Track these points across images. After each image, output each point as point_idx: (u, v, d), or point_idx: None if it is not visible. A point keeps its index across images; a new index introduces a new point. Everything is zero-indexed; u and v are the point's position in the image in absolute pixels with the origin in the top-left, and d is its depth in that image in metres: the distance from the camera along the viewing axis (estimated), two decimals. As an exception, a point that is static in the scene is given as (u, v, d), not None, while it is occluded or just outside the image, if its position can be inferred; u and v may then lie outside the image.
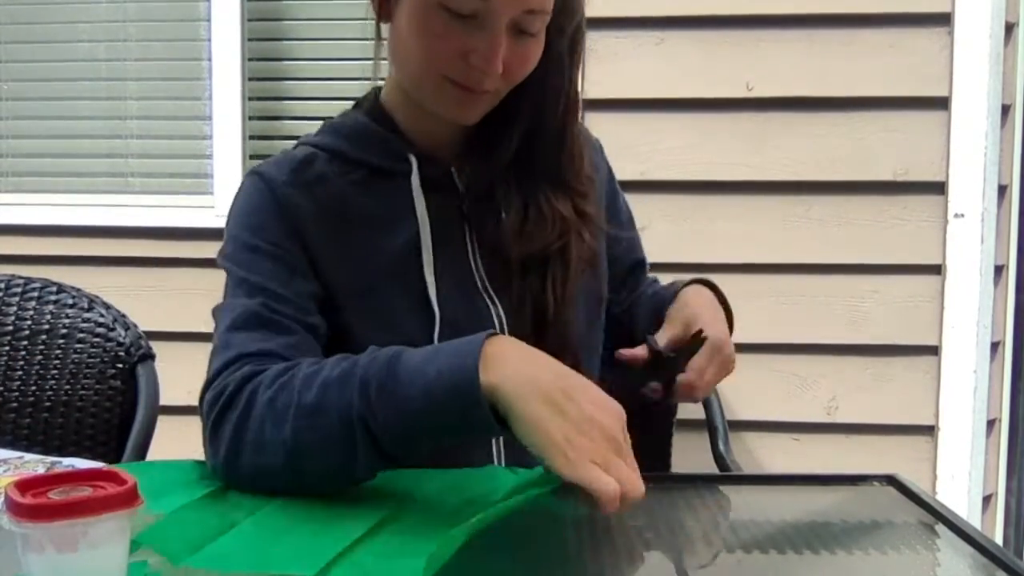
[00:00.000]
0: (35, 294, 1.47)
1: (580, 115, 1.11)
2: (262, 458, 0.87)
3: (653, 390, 1.08)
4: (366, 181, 1.07)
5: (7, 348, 1.45)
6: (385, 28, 1.06)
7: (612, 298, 1.24)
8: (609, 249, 1.21)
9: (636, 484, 0.76)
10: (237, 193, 1.08)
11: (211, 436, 0.92)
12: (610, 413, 0.79)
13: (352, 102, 1.17)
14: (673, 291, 1.20)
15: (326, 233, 1.03)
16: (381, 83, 1.15)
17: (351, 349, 0.91)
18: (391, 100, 1.11)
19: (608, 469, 0.75)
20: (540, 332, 1.06)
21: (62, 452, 1.36)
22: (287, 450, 0.86)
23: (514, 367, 0.80)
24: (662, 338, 1.10)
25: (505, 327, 1.07)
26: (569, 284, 1.08)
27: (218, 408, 0.90)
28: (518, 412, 0.78)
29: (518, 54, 0.99)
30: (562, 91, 1.06)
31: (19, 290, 1.48)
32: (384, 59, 1.10)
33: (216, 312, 1.02)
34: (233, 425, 0.89)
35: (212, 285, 1.08)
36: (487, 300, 1.07)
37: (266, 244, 1.02)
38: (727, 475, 1.37)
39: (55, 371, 1.43)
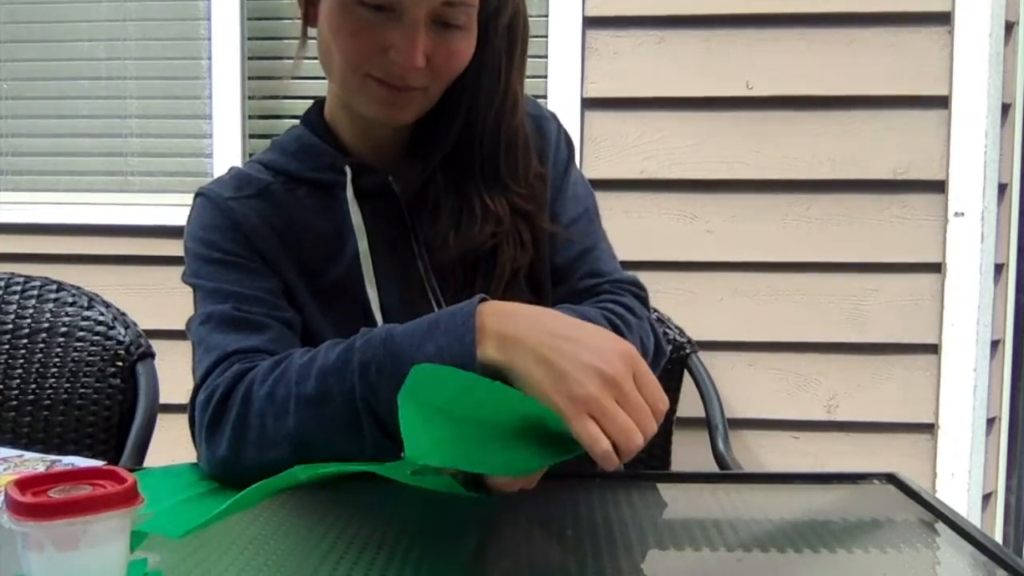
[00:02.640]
0: (35, 293, 1.47)
1: (521, 111, 1.05)
2: (267, 454, 0.88)
3: None
4: (309, 195, 1.06)
5: (7, 347, 1.45)
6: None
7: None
8: (553, 251, 1.10)
9: (630, 437, 0.76)
10: (188, 216, 1.09)
11: (207, 437, 0.91)
12: (609, 354, 0.79)
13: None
14: None
15: (276, 242, 1.03)
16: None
17: (316, 344, 0.92)
18: (331, 110, 1.11)
19: (603, 420, 0.76)
20: None
21: (62, 450, 1.37)
22: (292, 442, 0.87)
23: (504, 332, 0.82)
24: None
25: None
26: (492, 289, 1.02)
27: (212, 408, 0.91)
28: (514, 377, 0.80)
29: (443, 48, 0.95)
30: (497, 87, 1.02)
31: (19, 289, 1.48)
32: (310, 58, 1.07)
33: (189, 324, 1.03)
34: (232, 424, 0.89)
35: (212, 284, 1.08)
36: (435, 304, 1.05)
37: (224, 255, 1.03)
38: (727, 474, 1.37)
39: (55, 369, 1.43)
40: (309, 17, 1.02)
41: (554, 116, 1.17)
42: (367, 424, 0.85)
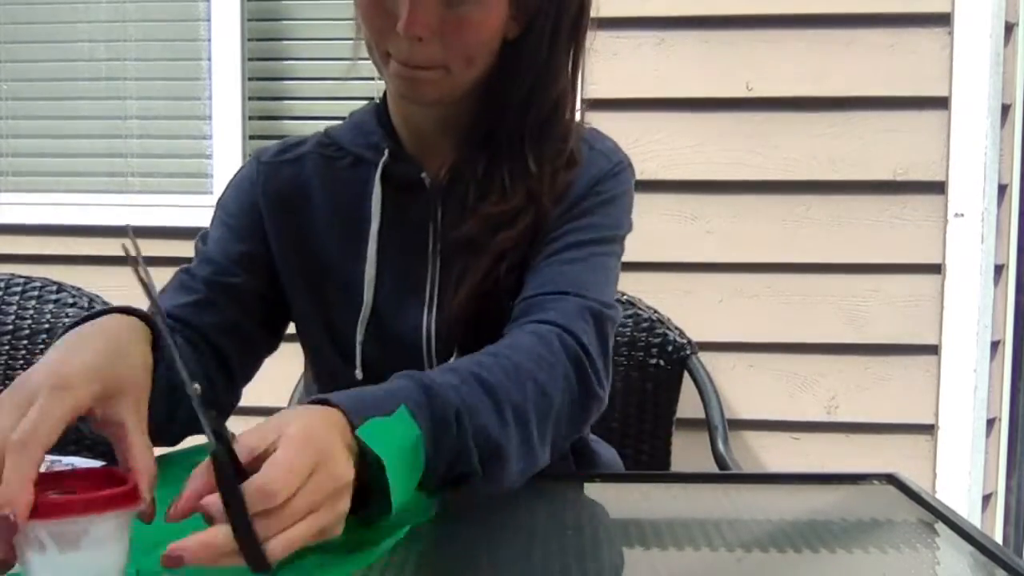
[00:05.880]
0: (35, 293, 1.47)
1: (578, 115, 1.07)
2: None
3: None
4: (348, 168, 1.08)
5: (7, 347, 1.45)
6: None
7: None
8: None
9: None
10: None
11: None
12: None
13: (352, 101, 1.18)
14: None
15: (284, 208, 1.07)
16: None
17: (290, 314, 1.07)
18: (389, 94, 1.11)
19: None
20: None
21: (62, 450, 1.36)
22: None
23: None
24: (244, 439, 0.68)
25: (432, 332, 1.04)
26: (468, 277, 1.00)
27: None
28: None
29: (451, 21, 0.92)
30: (544, 72, 1.01)
31: (19, 289, 1.48)
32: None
33: None
34: None
35: (212, 284, 1.08)
36: (426, 301, 1.05)
37: (225, 215, 1.09)
38: (727, 474, 1.37)
39: (55, 370, 1.43)
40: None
41: (629, 167, 1.17)
42: None
